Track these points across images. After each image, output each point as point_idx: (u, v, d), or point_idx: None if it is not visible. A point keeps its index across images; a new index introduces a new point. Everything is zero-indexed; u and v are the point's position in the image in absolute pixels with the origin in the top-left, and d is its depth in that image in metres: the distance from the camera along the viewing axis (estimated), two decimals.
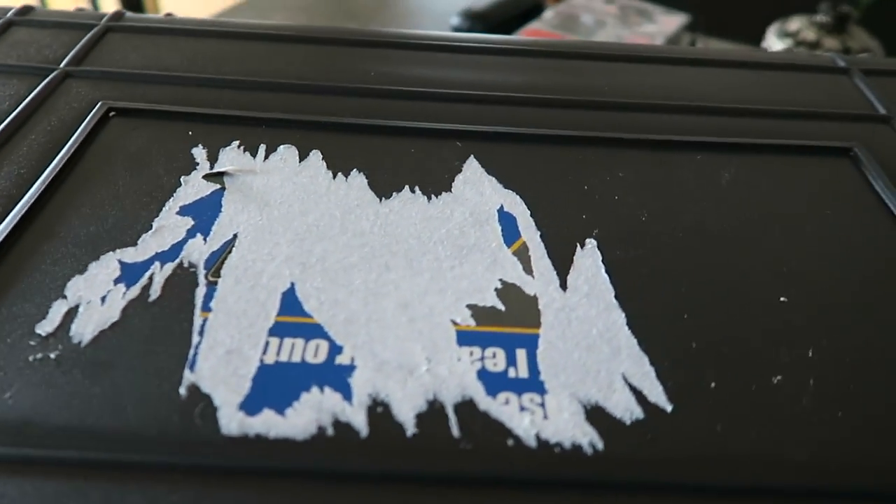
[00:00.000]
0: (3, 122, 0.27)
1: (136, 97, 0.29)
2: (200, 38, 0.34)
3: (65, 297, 0.21)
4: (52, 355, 0.19)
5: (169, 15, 0.36)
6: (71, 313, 0.20)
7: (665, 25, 0.81)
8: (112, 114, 0.28)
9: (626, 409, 0.18)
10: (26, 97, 0.28)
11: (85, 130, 0.27)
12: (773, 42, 0.67)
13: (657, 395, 0.19)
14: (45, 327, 0.20)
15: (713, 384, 0.19)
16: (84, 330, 0.20)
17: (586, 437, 0.17)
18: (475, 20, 0.81)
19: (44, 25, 0.34)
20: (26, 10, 0.34)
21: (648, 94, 0.31)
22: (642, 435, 0.18)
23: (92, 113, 0.28)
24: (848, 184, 0.27)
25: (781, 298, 0.22)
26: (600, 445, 0.17)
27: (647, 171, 0.27)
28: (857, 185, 0.27)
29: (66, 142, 0.26)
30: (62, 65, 0.31)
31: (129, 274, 0.22)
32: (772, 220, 0.25)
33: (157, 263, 0.22)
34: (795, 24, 0.63)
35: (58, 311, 0.20)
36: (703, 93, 0.31)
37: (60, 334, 0.19)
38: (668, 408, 0.18)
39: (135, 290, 0.21)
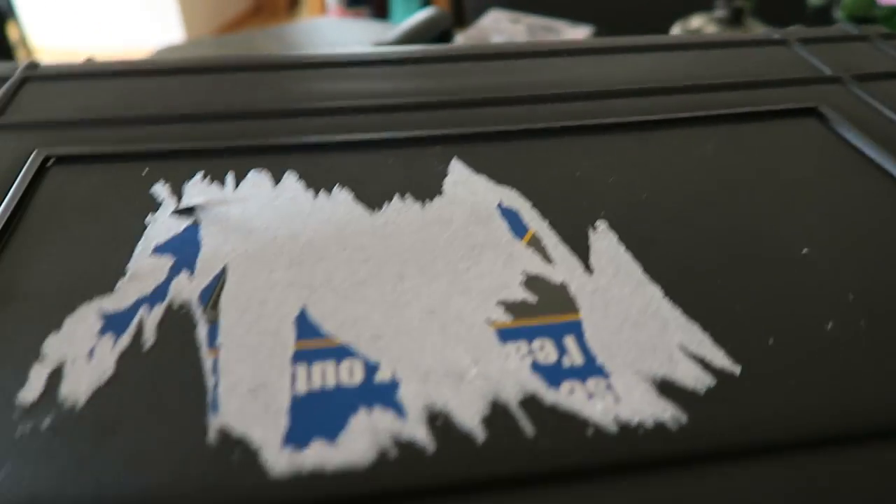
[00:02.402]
0: None
1: (72, 143, 0.26)
2: (123, 78, 0.32)
3: (43, 359, 0.18)
4: (44, 424, 0.16)
5: (89, 60, 0.33)
6: (55, 375, 0.17)
7: (572, 39, 0.84)
8: (51, 162, 0.25)
9: (695, 378, 0.17)
10: None
11: (24, 182, 0.24)
12: None
13: (720, 359, 0.18)
14: (27, 395, 0.17)
15: (770, 341, 0.18)
16: (76, 390, 0.17)
17: (666, 412, 0.16)
18: None
19: None
20: None
21: (613, 82, 0.31)
22: (721, 401, 0.17)
23: (28, 163, 0.25)
24: (821, 139, 0.27)
25: (804, 250, 0.22)
26: (684, 418, 0.16)
27: (633, 152, 0.26)
28: (829, 139, 0.27)
29: (5, 195, 0.23)
30: None
31: (114, 323, 0.19)
32: (765, 180, 0.25)
33: (143, 308, 0.19)
34: (696, 21, 0.67)
35: (38, 375, 0.17)
36: (664, 75, 0.32)
37: (48, 400, 0.17)
38: (737, 371, 0.17)
39: (125, 339, 0.18)
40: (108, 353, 0.18)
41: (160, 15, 1.98)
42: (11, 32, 1.52)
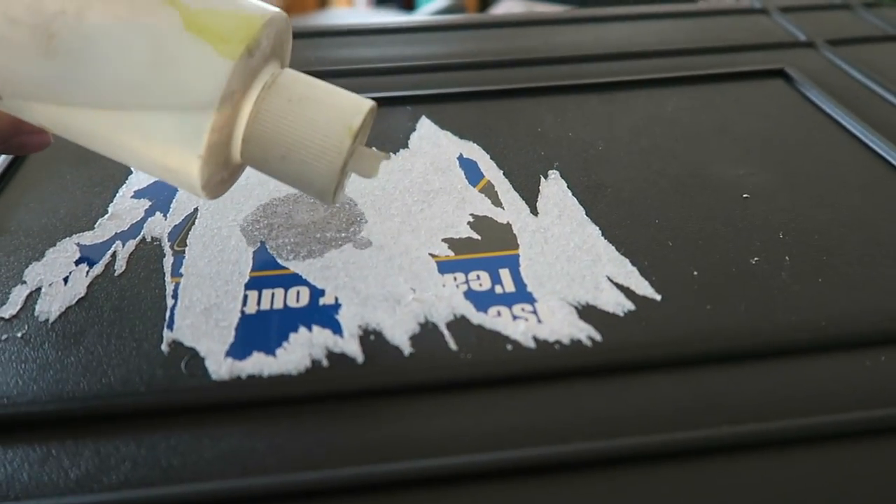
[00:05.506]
0: None
1: None
2: None
3: (24, 282, 0.20)
4: (19, 334, 0.18)
5: None
6: (33, 295, 0.19)
7: None
8: None
9: (616, 304, 0.18)
10: None
11: None
12: None
13: (644, 288, 0.19)
14: (6, 311, 0.18)
15: (695, 273, 0.19)
16: (50, 308, 0.19)
17: (583, 332, 0.17)
18: None
19: None
20: None
21: (586, 48, 0.32)
22: (637, 323, 0.18)
23: None
24: (784, 98, 0.28)
25: (744, 195, 0.22)
26: (598, 337, 0.17)
27: (596, 110, 0.27)
28: (793, 98, 0.28)
29: None
30: None
31: (90, 254, 0.21)
32: (721, 134, 0.26)
33: (118, 242, 0.21)
34: None
35: (19, 294, 0.19)
36: (637, 41, 0.32)
37: (24, 315, 0.18)
38: (658, 297, 0.18)
39: (98, 268, 0.20)
40: (82, 279, 0.20)
41: None
42: None
